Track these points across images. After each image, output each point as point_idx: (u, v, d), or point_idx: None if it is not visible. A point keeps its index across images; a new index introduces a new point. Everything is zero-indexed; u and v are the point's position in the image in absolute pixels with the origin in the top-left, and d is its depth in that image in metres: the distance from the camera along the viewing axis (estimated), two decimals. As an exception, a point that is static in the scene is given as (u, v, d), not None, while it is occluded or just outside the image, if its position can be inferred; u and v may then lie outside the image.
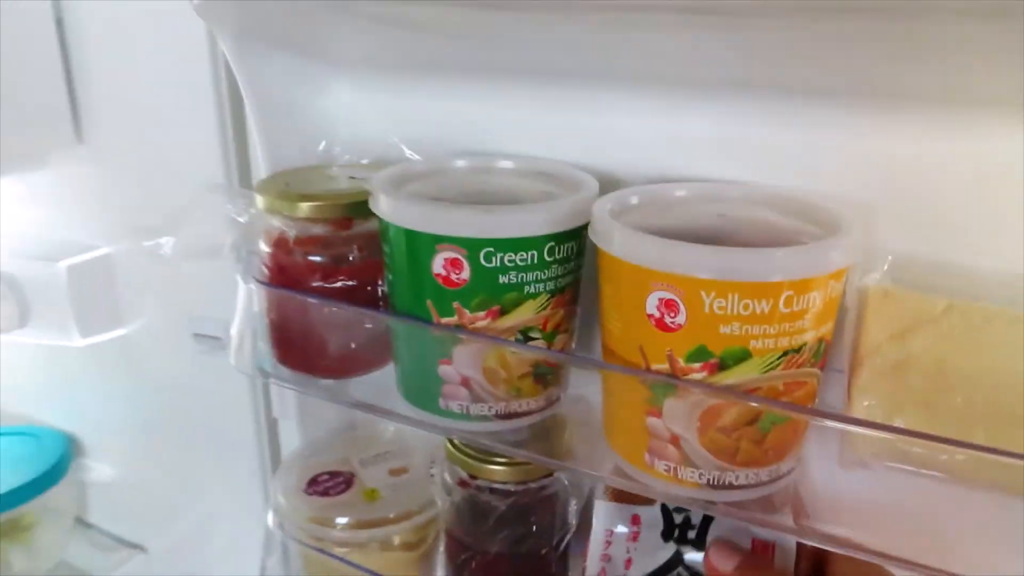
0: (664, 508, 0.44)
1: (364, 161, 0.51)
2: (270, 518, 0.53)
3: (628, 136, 0.45)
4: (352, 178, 0.47)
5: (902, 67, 0.38)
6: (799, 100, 0.41)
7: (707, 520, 0.44)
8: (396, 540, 0.51)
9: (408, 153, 0.50)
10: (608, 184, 0.44)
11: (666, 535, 0.44)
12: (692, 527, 0.44)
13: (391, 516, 0.51)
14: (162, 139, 0.59)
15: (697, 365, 0.34)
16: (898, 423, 0.38)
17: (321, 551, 0.51)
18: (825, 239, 0.34)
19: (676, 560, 0.44)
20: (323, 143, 0.52)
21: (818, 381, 0.37)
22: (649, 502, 0.44)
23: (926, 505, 0.39)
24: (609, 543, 0.45)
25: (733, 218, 0.39)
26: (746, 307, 0.32)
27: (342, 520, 0.51)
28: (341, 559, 0.50)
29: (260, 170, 0.52)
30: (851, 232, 0.35)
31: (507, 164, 0.46)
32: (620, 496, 0.44)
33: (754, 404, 0.34)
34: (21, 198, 0.69)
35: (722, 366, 0.34)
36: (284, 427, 0.64)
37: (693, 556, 0.43)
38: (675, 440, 0.36)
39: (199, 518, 0.75)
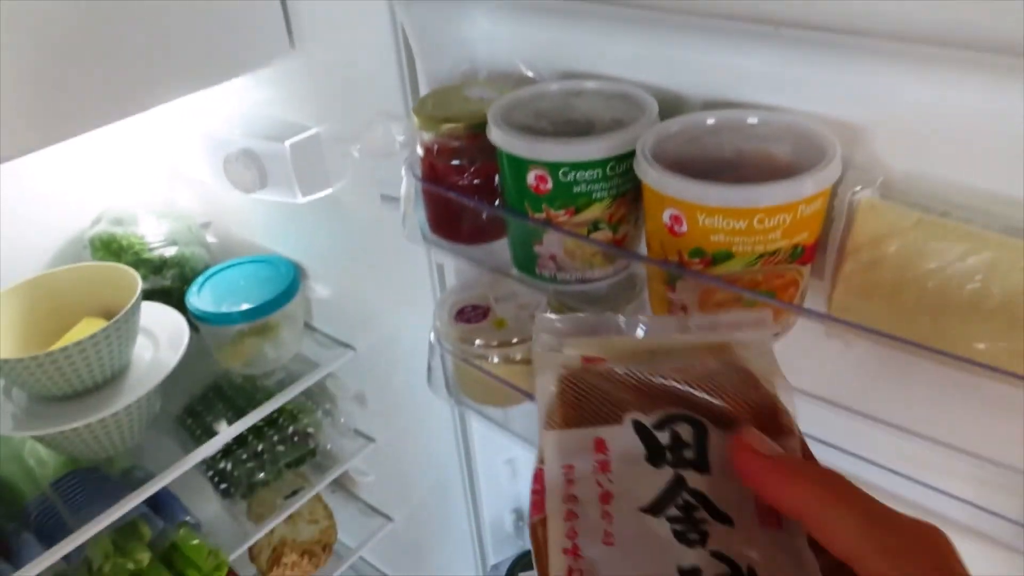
0: (639, 427, 0.35)
1: (484, 77, 0.66)
2: (431, 335, 0.74)
3: (693, 63, 0.57)
4: (481, 99, 0.63)
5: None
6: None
7: (701, 438, 0.34)
8: (517, 356, 0.71)
9: (525, 70, 0.65)
10: (673, 103, 0.57)
11: (655, 460, 0.34)
12: (687, 445, 0.34)
13: (513, 340, 0.70)
14: (353, 52, 0.77)
15: (696, 260, 0.49)
16: (867, 309, 0.51)
17: (464, 361, 0.72)
18: (798, 176, 0.46)
19: (677, 485, 0.33)
20: (466, 65, 0.67)
21: (799, 274, 0.50)
22: (613, 420, 0.35)
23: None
24: (571, 482, 0.34)
25: (744, 150, 0.51)
26: (728, 224, 0.46)
27: (479, 340, 0.71)
28: (478, 367, 0.71)
29: (423, 78, 0.69)
30: (830, 164, 0.47)
31: (592, 85, 0.60)
32: (572, 419, 0.35)
33: (722, 287, 0.48)
34: (250, 89, 0.90)
35: (713, 262, 0.48)
36: (447, 268, 0.85)
37: (696, 478, 0.33)
38: (684, 307, 0.51)
39: (392, 327, 0.99)
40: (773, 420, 0.35)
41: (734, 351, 0.38)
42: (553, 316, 0.39)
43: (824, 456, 0.64)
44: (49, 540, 0.86)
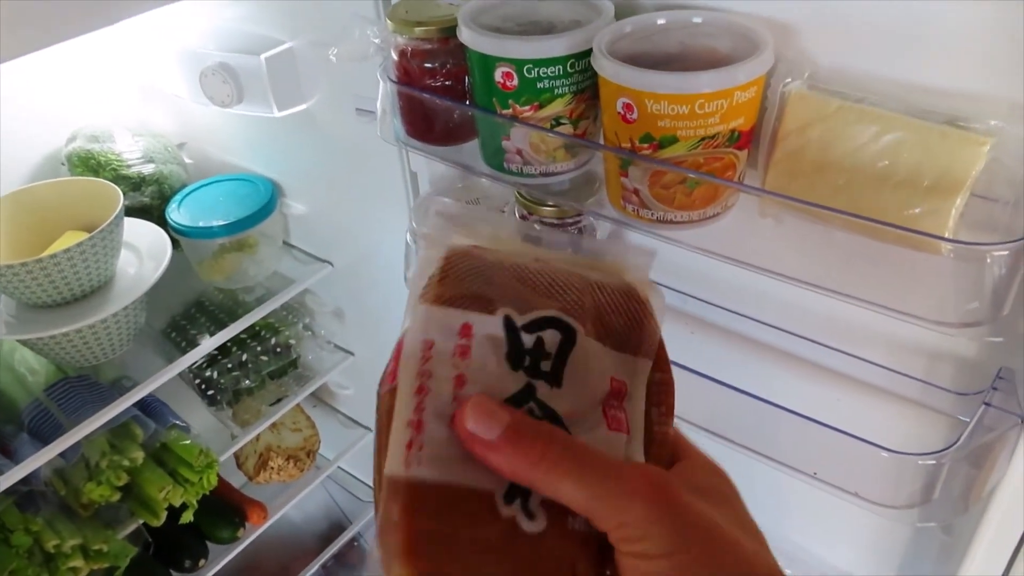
0: (508, 324, 0.33)
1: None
2: (408, 237, 0.80)
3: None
4: (451, 4, 0.67)
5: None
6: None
7: (564, 349, 0.34)
8: (487, 254, 0.77)
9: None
10: (627, 5, 0.62)
11: (514, 361, 0.33)
12: (546, 356, 0.34)
13: (484, 239, 0.76)
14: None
15: (646, 145, 0.55)
16: (794, 186, 0.57)
17: (439, 259, 0.77)
18: (733, 65, 0.52)
19: (527, 393, 0.33)
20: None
21: (736, 157, 0.56)
22: (486, 309, 0.33)
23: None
24: (428, 358, 0.33)
25: (689, 46, 0.57)
26: (672, 110, 0.52)
27: (452, 240, 0.77)
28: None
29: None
30: (761, 55, 0.53)
31: (554, -10, 0.65)
32: (446, 298, 0.33)
33: (669, 169, 0.54)
34: (223, 3, 0.93)
35: (660, 146, 0.54)
36: (420, 179, 0.90)
37: (547, 392, 0.33)
38: (636, 192, 0.57)
39: (367, 243, 1.04)
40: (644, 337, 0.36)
41: (618, 271, 0.38)
42: (450, 201, 0.40)
43: (758, 334, 0.72)
44: (44, 441, 0.91)
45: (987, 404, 0.56)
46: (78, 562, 0.90)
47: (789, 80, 0.56)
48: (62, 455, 0.90)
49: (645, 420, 0.36)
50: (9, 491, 0.85)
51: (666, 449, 0.36)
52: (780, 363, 0.71)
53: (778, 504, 0.72)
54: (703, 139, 0.54)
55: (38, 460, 0.86)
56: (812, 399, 0.63)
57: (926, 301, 0.53)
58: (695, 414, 0.65)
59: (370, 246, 1.05)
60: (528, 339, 0.33)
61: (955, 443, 0.54)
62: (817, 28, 0.56)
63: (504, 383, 0.33)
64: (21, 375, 1.00)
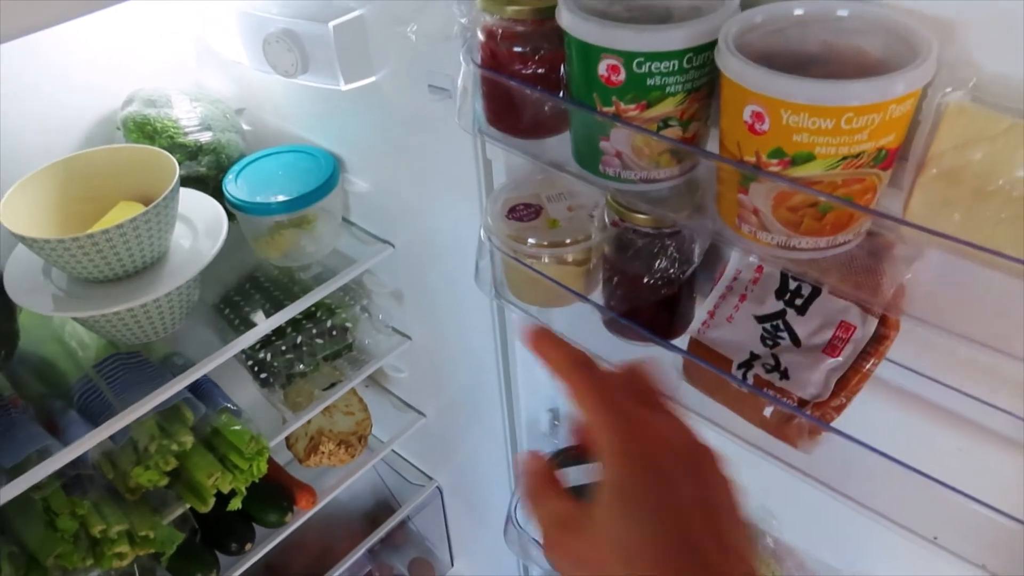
0: (783, 273, 0.58)
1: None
2: (482, 233, 0.73)
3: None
4: (548, -19, 0.59)
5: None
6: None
7: (814, 294, 0.57)
8: (569, 257, 0.70)
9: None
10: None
11: (779, 294, 0.59)
12: (800, 296, 0.58)
13: (566, 240, 0.69)
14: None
15: (775, 161, 0.47)
16: (944, 215, 0.49)
17: (516, 260, 0.71)
18: (891, 74, 0.44)
19: (780, 314, 0.59)
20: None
21: (879, 179, 0.48)
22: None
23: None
24: (736, 278, 0.61)
25: (833, 46, 0.48)
26: (813, 123, 0.44)
27: (532, 239, 0.70)
28: (529, 267, 0.70)
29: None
30: (925, 62, 0.44)
31: (671, -28, 0.57)
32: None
33: (799, 190, 0.46)
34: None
35: (793, 163, 0.46)
36: (495, 166, 0.83)
37: (793, 317, 0.58)
38: (756, 211, 0.50)
39: (432, 224, 0.98)
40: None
41: None
42: None
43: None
44: (93, 420, 0.88)
45: None
46: (124, 548, 0.87)
47: (949, 90, 0.48)
48: (111, 437, 0.86)
49: (857, 357, 0.56)
50: (57, 474, 0.82)
51: (861, 382, 0.57)
52: (893, 399, 0.64)
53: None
54: (845, 158, 0.46)
55: (88, 443, 0.83)
56: (929, 445, 0.55)
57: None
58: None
59: (434, 230, 0.98)
60: (792, 284, 0.58)
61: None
62: (986, 26, 0.47)
63: (768, 303, 0.59)
64: (72, 349, 0.97)
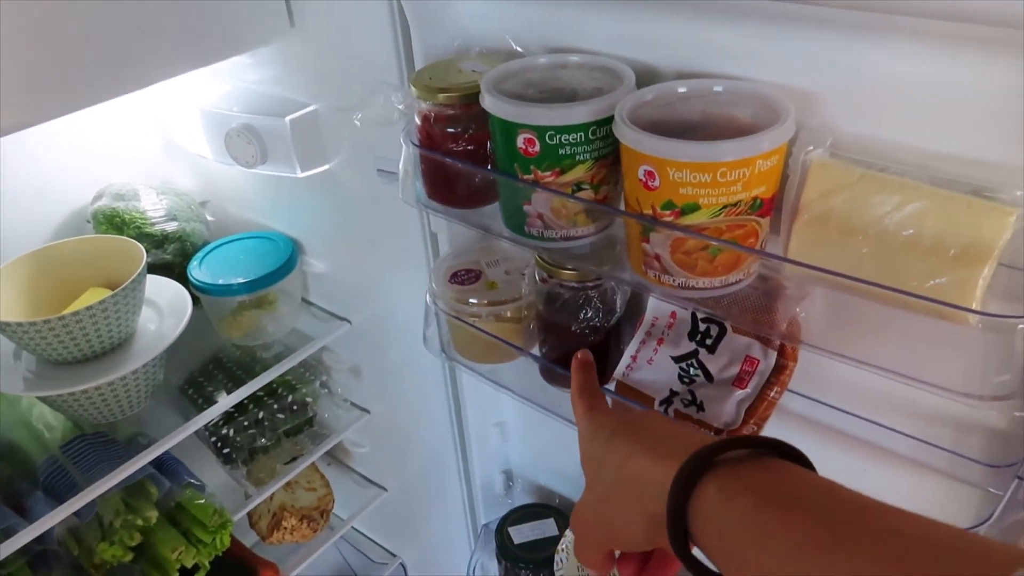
0: (694, 315, 0.66)
1: (477, 52, 0.72)
2: (428, 297, 0.80)
3: (666, 38, 0.63)
4: (473, 71, 0.68)
5: None
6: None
7: (721, 334, 0.65)
8: (507, 314, 0.76)
9: (514, 46, 0.70)
10: (648, 74, 0.63)
11: (691, 335, 0.66)
12: (710, 336, 0.66)
13: (504, 299, 0.76)
14: (352, 29, 0.82)
15: (667, 212, 0.55)
16: (818, 254, 0.57)
17: (459, 319, 0.77)
18: (755, 134, 0.52)
19: (693, 354, 0.66)
20: (459, 41, 0.73)
21: (759, 225, 0.56)
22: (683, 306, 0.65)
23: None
24: (654, 324, 0.68)
25: (711, 114, 0.57)
26: (695, 178, 0.52)
27: (473, 300, 0.76)
28: (471, 325, 0.76)
29: (419, 55, 0.74)
30: (784, 124, 0.53)
31: (575, 58, 0.66)
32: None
33: (691, 236, 0.54)
34: (248, 66, 0.95)
35: (682, 213, 0.54)
36: (440, 239, 0.90)
37: (705, 356, 0.66)
38: (657, 257, 0.57)
39: (386, 299, 1.04)
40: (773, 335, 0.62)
41: None
42: None
43: (783, 400, 0.70)
44: (59, 498, 0.90)
45: (1020, 478, 0.54)
46: (88, 624, 0.88)
47: (811, 148, 0.56)
48: (76, 514, 0.89)
49: (763, 387, 0.64)
50: (22, 550, 0.84)
51: (768, 409, 0.64)
52: (804, 430, 0.70)
53: None
54: (725, 207, 0.54)
55: (53, 519, 0.86)
56: (837, 468, 0.61)
57: (954, 372, 0.52)
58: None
59: (388, 305, 1.05)
60: (702, 325, 0.66)
61: (988, 519, 0.53)
62: (839, 96, 0.57)
63: (682, 344, 0.67)
64: (38, 431, 1.00)
